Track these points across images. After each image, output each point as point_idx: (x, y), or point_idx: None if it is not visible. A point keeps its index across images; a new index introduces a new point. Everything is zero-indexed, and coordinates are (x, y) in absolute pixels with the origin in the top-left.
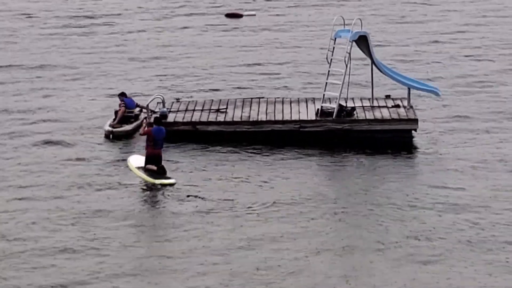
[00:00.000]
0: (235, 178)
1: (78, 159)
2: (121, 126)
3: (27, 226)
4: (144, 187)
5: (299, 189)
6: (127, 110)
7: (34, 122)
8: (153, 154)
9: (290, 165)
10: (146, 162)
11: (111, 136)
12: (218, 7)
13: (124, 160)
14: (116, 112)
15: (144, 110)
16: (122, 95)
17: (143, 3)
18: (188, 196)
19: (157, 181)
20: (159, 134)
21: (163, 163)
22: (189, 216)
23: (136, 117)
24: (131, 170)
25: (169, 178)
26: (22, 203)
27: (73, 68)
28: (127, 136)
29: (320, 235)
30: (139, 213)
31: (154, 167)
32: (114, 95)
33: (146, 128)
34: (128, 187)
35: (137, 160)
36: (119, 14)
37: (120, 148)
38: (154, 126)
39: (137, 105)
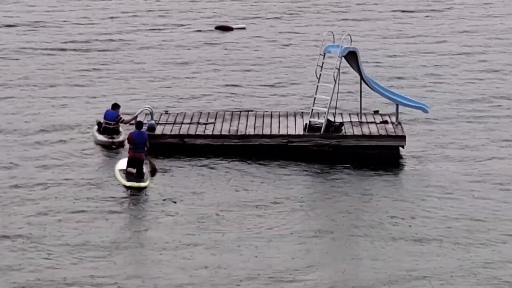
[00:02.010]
0: (221, 191)
1: (63, 168)
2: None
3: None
4: (124, 194)
5: (285, 205)
6: (105, 121)
7: (24, 134)
8: (134, 157)
9: (277, 179)
10: (128, 165)
11: (113, 146)
12: (208, 19)
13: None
14: (98, 123)
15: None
16: (113, 106)
17: (131, 16)
18: (164, 200)
19: (128, 184)
20: (139, 138)
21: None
22: (170, 229)
23: (118, 131)
24: (114, 172)
25: (140, 181)
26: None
27: (63, 82)
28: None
29: (306, 251)
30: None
31: (134, 170)
32: (100, 107)
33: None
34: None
35: (123, 162)
36: (110, 28)
37: (105, 157)
38: (135, 130)
39: (120, 119)
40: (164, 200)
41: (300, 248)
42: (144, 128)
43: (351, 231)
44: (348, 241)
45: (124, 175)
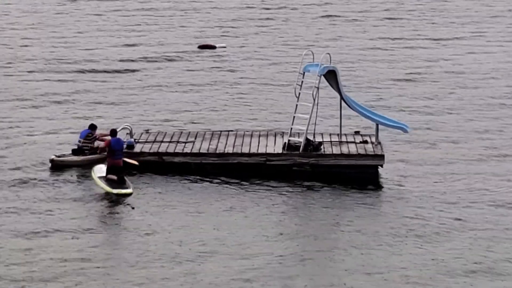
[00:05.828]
0: (198, 210)
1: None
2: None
3: None
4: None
5: (262, 223)
6: (78, 140)
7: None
8: (113, 164)
9: (254, 198)
10: (107, 172)
11: (51, 164)
12: (191, 38)
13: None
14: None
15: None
16: (89, 126)
17: (112, 35)
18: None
19: (115, 191)
20: (117, 145)
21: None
22: (146, 248)
23: (93, 150)
24: (93, 179)
25: (126, 188)
26: None
27: (43, 103)
28: (73, 166)
29: (282, 270)
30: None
31: (115, 177)
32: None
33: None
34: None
35: (100, 169)
36: (88, 46)
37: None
38: (112, 137)
39: (91, 137)
40: (133, 208)
41: (275, 267)
42: (124, 145)
43: (328, 252)
44: (325, 262)
45: (107, 182)
